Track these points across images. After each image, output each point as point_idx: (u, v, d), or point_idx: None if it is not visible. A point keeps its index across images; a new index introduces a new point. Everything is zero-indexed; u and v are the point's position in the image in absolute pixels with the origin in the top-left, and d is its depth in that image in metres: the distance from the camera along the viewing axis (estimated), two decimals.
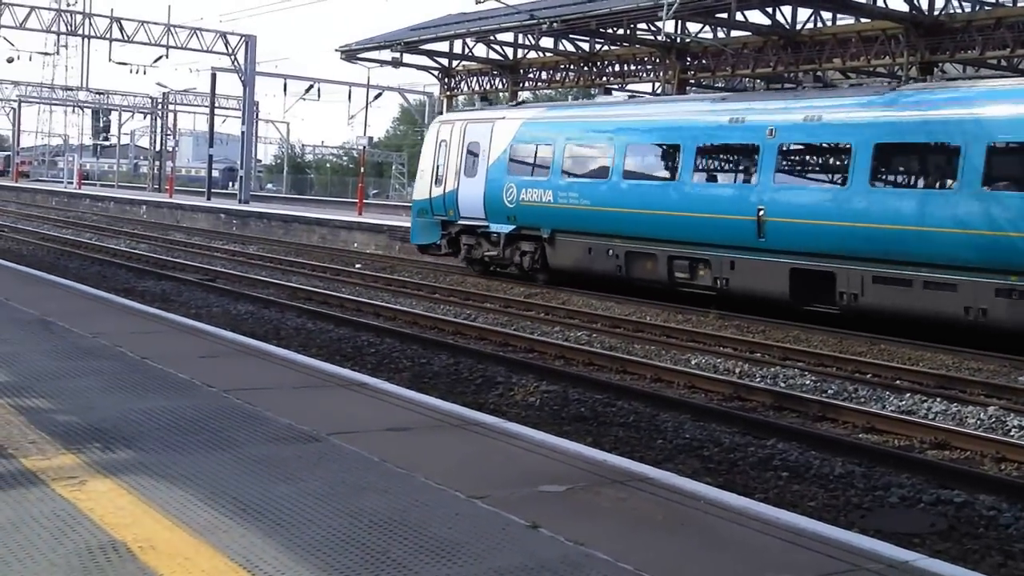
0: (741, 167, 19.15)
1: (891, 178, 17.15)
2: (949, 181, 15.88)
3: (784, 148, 18.13)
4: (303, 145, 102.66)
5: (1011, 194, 15.01)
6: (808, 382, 12.89)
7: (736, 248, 18.35)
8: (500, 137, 23.29)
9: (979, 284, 15.07)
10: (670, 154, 20.07)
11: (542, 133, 22.71)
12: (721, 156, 19.72)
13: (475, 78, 48.11)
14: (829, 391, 12.43)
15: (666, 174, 20.29)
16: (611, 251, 20.70)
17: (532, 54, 44.94)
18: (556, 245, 21.97)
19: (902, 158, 17.24)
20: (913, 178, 16.99)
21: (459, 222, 24.18)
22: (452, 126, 25.04)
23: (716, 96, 23.10)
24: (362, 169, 54.25)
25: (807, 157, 18.46)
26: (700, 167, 19.54)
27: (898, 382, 13.19)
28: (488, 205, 23.22)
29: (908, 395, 12.30)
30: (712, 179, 19.70)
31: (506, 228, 22.97)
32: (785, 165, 18.21)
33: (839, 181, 17.26)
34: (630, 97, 25.98)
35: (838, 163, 17.53)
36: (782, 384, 12.75)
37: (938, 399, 12.11)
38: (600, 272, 21.26)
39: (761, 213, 17.79)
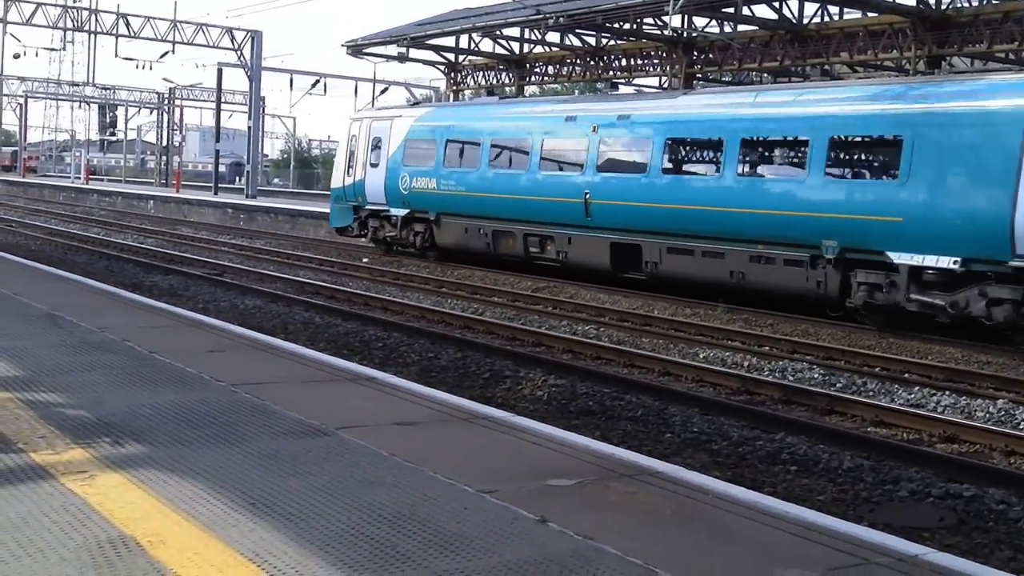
0: (574, 158, 22.15)
1: (678, 167, 20.63)
2: (716, 169, 19.29)
3: (603, 142, 21.39)
4: (310, 140, 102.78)
5: (755, 179, 18.85)
6: (816, 376, 12.88)
7: (572, 226, 21.79)
8: (397, 133, 26.72)
9: (739, 252, 18.33)
10: (524, 148, 23.38)
11: (429, 130, 26.10)
12: (560, 148, 22.76)
13: (481, 73, 48.10)
14: (838, 385, 12.41)
15: (521, 165, 23.41)
16: (482, 230, 24.24)
17: (538, 49, 44.92)
18: (441, 226, 25.45)
19: (684, 150, 20.91)
20: (693, 167, 20.65)
21: (366, 207, 27.68)
22: (361, 123, 28.29)
23: (559, 99, 28.25)
24: None
25: (620, 149, 21.51)
26: (545, 158, 22.76)
27: (907, 375, 13.17)
28: (388, 192, 26.62)
29: (917, 388, 12.28)
30: (553, 168, 22.74)
31: (402, 212, 26.42)
32: (605, 156, 21.39)
33: (642, 170, 20.44)
34: (501, 99, 29.61)
35: (641, 154, 20.70)
36: (790, 378, 12.74)
37: (947, 392, 12.09)
38: (475, 248, 24.70)
39: (587, 196, 21.17)
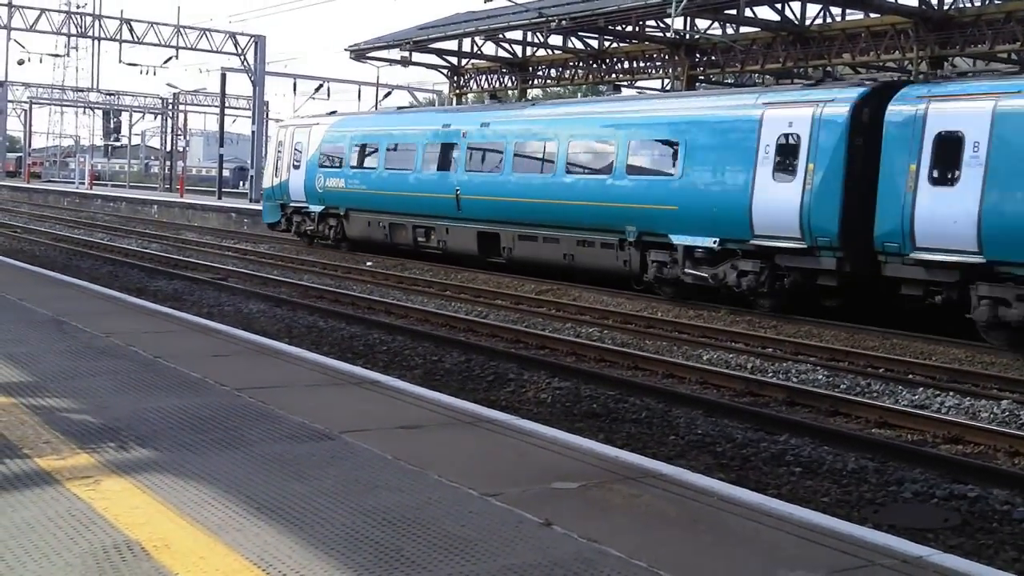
0: (449, 160, 25.60)
1: (524, 166, 23.73)
2: (549, 168, 22.86)
3: (470, 146, 25.00)
4: None
5: (577, 177, 22.11)
6: (820, 377, 12.87)
7: (447, 218, 25.33)
8: (315, 139, 30.51)
9: (569, 238, 22.02)
10: (411, 151, 27.00)
11: (339, 136, 29.81)
12: (438, 152, 26.03)
13: (484, 76, 48.11)
14: (842, 386, 12.41)
15: (409, 166, 26.93)
16: (381, 223, 27.90)
17: (541, 52, 44.93)
18: (350, 220, 29.13)
19: (528, 152, 23.79)
20: (533, 166, 23.54)
21: (291, 204, 31.41)
22: (286, 130, 32.47)
23: (441, 108, 33.56)
24: None
25: (482, 152, 24.93)
26: (427, 160, 26.26)
27: (911, 376, 13.16)
28: (307, 191, 30.40)
29: (921, 389, 12.27)
30: (432, 168, 26.08)
31: (318, 208, 30.09)
32: (471, 158, 25.01)
33: (498, 169, 24.07)
34: (399, 109, 34.51)
35: (497, 156, 24.31)
36: (794, 379, 12.73)
37: (951, 393, 12.09)
38: (376, 239, 28.32)
39: (458, 193, 24.68)
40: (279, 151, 31.98)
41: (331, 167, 29.61)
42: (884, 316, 17.19)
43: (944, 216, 15.70)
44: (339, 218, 29.40)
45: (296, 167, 30.85)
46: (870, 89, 17.88)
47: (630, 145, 20.90)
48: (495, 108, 27.80)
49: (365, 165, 28.60)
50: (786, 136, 18.04)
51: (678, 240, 19.52)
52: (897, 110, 16.77)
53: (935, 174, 16.04)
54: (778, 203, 17.87)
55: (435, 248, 26.18)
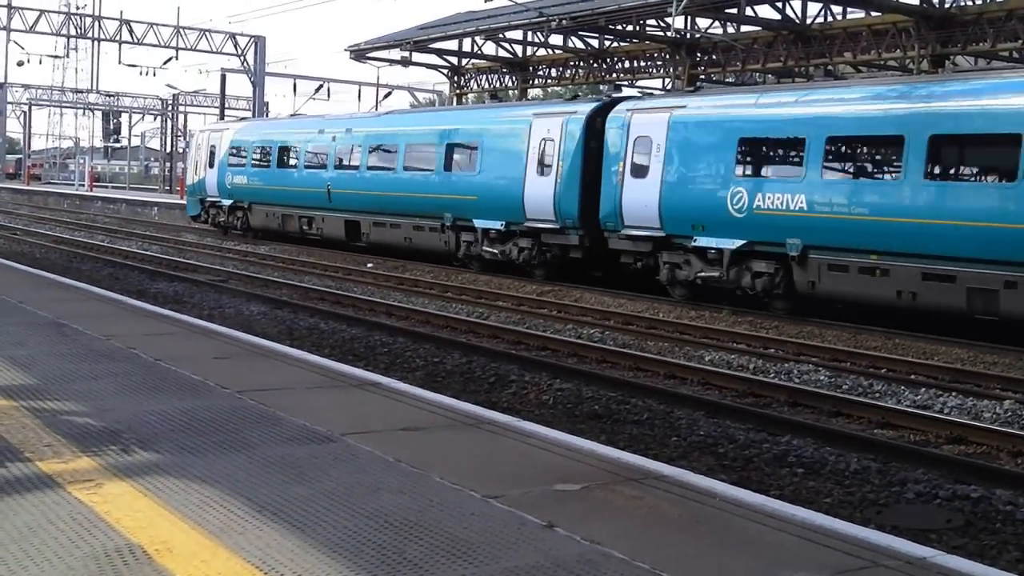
0: (322, 160, 30.53)
1: (376, 166, 28.37)
2: (392, 167, 27.53)
3: (337, 149, 29.84)
4: None
5: (414, 173, 26.63)
6: (823, 378, 12.86)
7: (322, 209, 30.07)
8: (225, 142, 35.23)
9: (408, 224, 26.78)
10: (294, 152, 32.06)
11: (243, 140, 34.75)
12: (315, 152, 31.00)
13: (485, 76, 48.12)
14: (844, 386, 12.40)
15: (295, 165, 31.91)
16: (275, 214, 32.64)
17: (541, 51, 44.94)
18: (252, 212, 33.85)
19: (380, 153, 28.33)
20: (382, 165, 28.10)
21: (208, 199, 36.00)
22: (204, 134, 37.64)
23: (320, 116, 37.53)
24: None
25: (346, 153, 29.63)
26: (307, 162, 31.32)
27: (913, 377, 13.14)
28: (219, 187, 35.17)
29: (923, 390, 12.26)
30: (312, 168, 31.02)
31: (228, 201, 34.89)
32: (338, 158, 29.78)
33: (357, 168, 28.93)
34: (291, 116, 40.09)
35: (356, 157, 29.12)
36: (796, 380, 12.72)
37: (954, 393, 12.07)
38: (272, 228, 33.10)
39: (329, 188, 29.59)
40: (198, 153, 37.03)
41: (237, 166, 34.47)
42: (613, 279, 21.93)
43: (640, 201, 20.37)
44: (244, 210, 34.30)
45: (211, 166, 35.64)
46: (601, 103, 22.63)
47: (446, 148, 25.77)
48: (357, 117, 34.09)
49: (263, 164, 33.41)
50: (545, 141, 22.88)
51: (478, 224, 24.50)
52: (612, 120, 21.50)
53: (634, 169, 20.69)
54: (540, 193, 22.77)
55: (315, 234, 31.00)
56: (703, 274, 19.45)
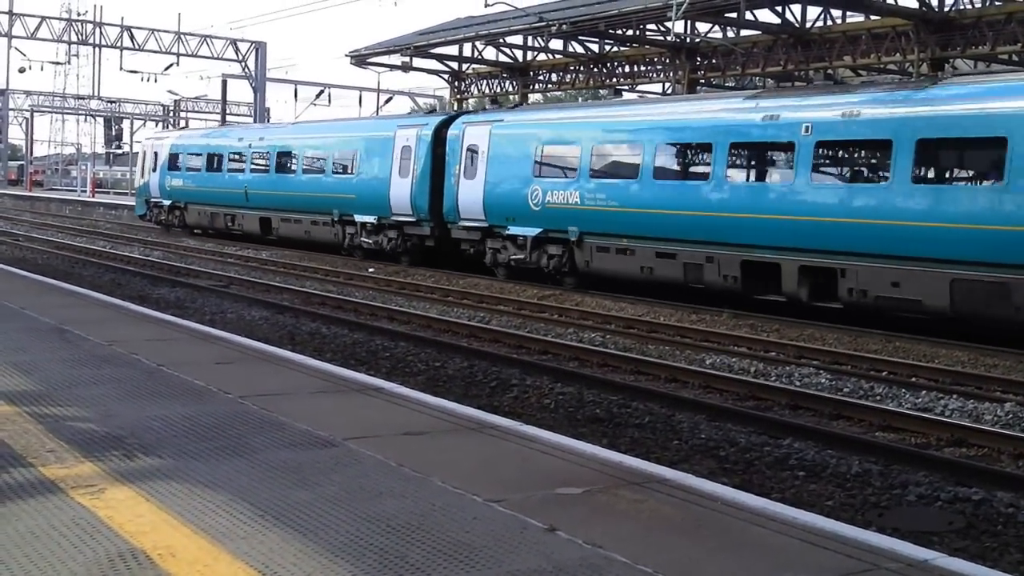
0: (241, 164, 35.46)
1: (282, 169, 33.28)
2: (294, 171, 32.62)
3: (252, 156, 34.96)
4: None
5: (312, 175, 31.61)
6: (823, 380, 12.86)
7: (242, 208, 34.96)
8: (165, 149, 40.41)
9: (308, 220, 31.46)
10: (219, 160, 36.82)
11: (180, 148, 39.76)
12: (235, 160, 35.99)
13: (485, 81, 48.13)
14: (845, 389, 12.39)
15: (221, 170, 36.60)
16: (205, 212, 37.38)
17: (541, 56, 44.93)
18: (187, 210, 38.50)
19: (286, 159, 33.19)
20: (286, 169, 33.06)
21: (152, 199, 40.92)
22: (150, 142, 43.61)
23: (242, 126, 46.06)
24: None
25: (258, 158, 34.70)
26: (229, 168, 36.08)
27: (914, 379, 13.14)
28: (161, 189, 40.06)
29: (924, 392, 12.25)
30: (234, 172, 35.79)
31: (168, 201, 39.65)
32: (253, 162, 34.85)
33: (267, 171, 33.93)
34: (221, 126, 46.50)
35: (266, 162, 34.14)
36: (797, 383, 12.72)
37: (954, 396, 12.07)
38: (203, 224, 37.84)
39: (247, 189, 34.42)
40: (144, 160, 42.38)
41: (175, 171, 39.29)
42: (455, 263, 26.10)
43: (471, 198, 24.81)
44: (181, 209, 39.07)
45: (154, 171, 40.59)
46: (448, 117, 27.45)
47: (332, 155, 30.77)
48: (270, 127, 40.94)
49: (195, 169, 38.19)
50: (404, 148, 27.49)
51: (358, 218, 29.09)
52: (451, 131, 26.09)
53: (466, 172, 25.09)
54: (402, 192, 27.36)
55: (237, 230, 35.59)
56: (515, 257, 23.76)
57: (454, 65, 47.02)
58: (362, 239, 29.00)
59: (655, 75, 41.49)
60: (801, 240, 17.71)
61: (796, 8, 33.69)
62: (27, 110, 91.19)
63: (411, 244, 27.61)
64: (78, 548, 4.35)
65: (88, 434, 6.27)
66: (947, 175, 17.02)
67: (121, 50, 55.38)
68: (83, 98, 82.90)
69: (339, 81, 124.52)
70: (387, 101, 70.00)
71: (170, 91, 77.90)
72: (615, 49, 41.20)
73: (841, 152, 18.52)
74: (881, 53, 32.03)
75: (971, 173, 16.81)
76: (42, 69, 79.09)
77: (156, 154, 40.78)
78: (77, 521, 4.69)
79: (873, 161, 17.99)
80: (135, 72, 61.14)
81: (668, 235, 20.06)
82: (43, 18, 54.05)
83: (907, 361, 14.20)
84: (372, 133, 29.77)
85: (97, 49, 58.11)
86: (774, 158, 19.19)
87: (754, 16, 33.64)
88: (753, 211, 18.52)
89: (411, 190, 26.84)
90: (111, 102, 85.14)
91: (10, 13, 52.52)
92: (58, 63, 72.13)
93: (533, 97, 50.23)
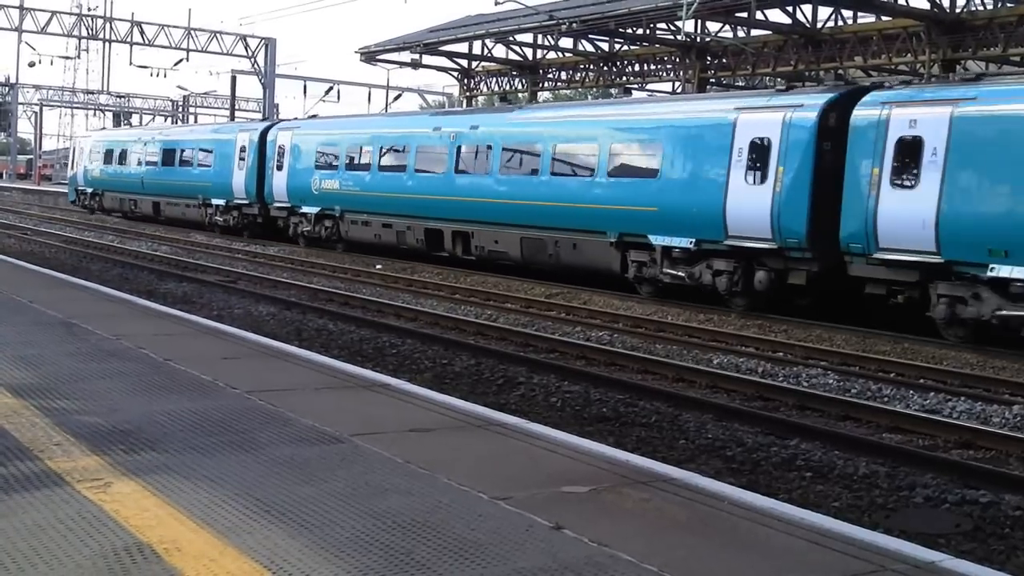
0: (139, 160, 42.65)
1: (172, 163, 39.90)
2: (185, 164, 39.12)
3: (147, 152, 41.67)
4: None
5: (187, 169, 38.99)
6: (831, 381, 12.83)
7: (140, 194, 42.78)
8: (88, 146, 48.77)
9: (185, 203, 38.74)
10: (125, 155, 44.17)
11: (99, 144, 47.65)
12: (136, 156, 43.15)
13: (494, 79, 48.12)
14: (852, 390, 12.37)
15: (127, 164, 43.89)
16: (116, 198, 45.35)
17: (551, 54, 44.92)
18: (104, 196, 46.55)
19: (168, 155, 40.28)
20: (178, 163, 39.73)
21: (79, 188, 48.96)
22: (77, 140, 53.36)
23: (141, 127, 62.92)
24: None
25: (151, 155, 41.61)
26: (132, 158, 43.41)
27: (922, 381, 13.11)
28: (85, 179, 48.17)
29: (932, 394, 12.22)
30: (133, 166, 43.20)
31: (90, 189, 47.65)
32: (148, 159, 41.72)
33: (156, 165, 41.11)
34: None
35: (156, 156, 41.24)
36: (805, 384, 12.69)
37: (962, 398, 12.03)
38: (116, 208, 45.62)
39: (143, 180, 41.94)
40: (75, 154, 50.67)
41: (96, 164, 46.87)
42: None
43: (280, 186, 32.65)
44: (99, 196, 46.85)
45: (81, 163, 48.48)
46: (269, 124, 35.82)
47: (198, 153, 38.38)
48: (161, 128, 53.95)
49: (112, 162, 45.37)
50: (243, 148, 34.79)
51: (214, 201, 36.74)
52: (270, 135, 33.64)
53: (277, 165, 32.65)
54: (239, 182, 34.79)
55: (138, 212, 43.17)
56: (306, 229, 31.69)
57: (464, 63, 47.03)
58: (216, 218, 36.88)
59: (665, 74, 41.49)
60: (454, 214, 25.49)
61: (807, 8, 33.65)
62: (36, 104, 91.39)
63: (247, 221, 35.38)
64: (84, 541, 4.34)
65: (94, 428, 6.27)
66: (509, 167, 24.42)
67: (131, 45, 55.46)
68: (92, 93, 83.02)
69: (348, 78, 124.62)
70: (396, 98, 70.05)
71: (179, 86, 78.04)
72: (625, 48, 41.18)
73: (470, 153, 25.70)
74: (892, 54, 31.99)
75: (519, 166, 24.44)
76: (52, 64, 79.32)
77: (82, 150, 49.27)
78: (83, 514, 4.69)
79: (482, 158, 25.36)
80: (145, 67, 61.23)
81: (386, 211, 28.04)
82: (54, 13, 54.14)
83: (915, 363, 14.17)
84: (221, 136, 37.55)
85: (107, 44, 58.21)
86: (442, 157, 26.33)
87: (765, 16, 33.61)
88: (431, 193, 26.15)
89: (244, 180, 34.73)
90: (120, 97, 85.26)
91: (21, 8, 52.61)
92: (68, 58, 72.20)
93: (543, 95, 50.18)
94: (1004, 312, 15.27)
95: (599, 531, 4.71)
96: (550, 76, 46.57)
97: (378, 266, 26.04)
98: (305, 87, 65.50)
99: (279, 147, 32.68)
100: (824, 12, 33.91)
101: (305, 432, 6.42)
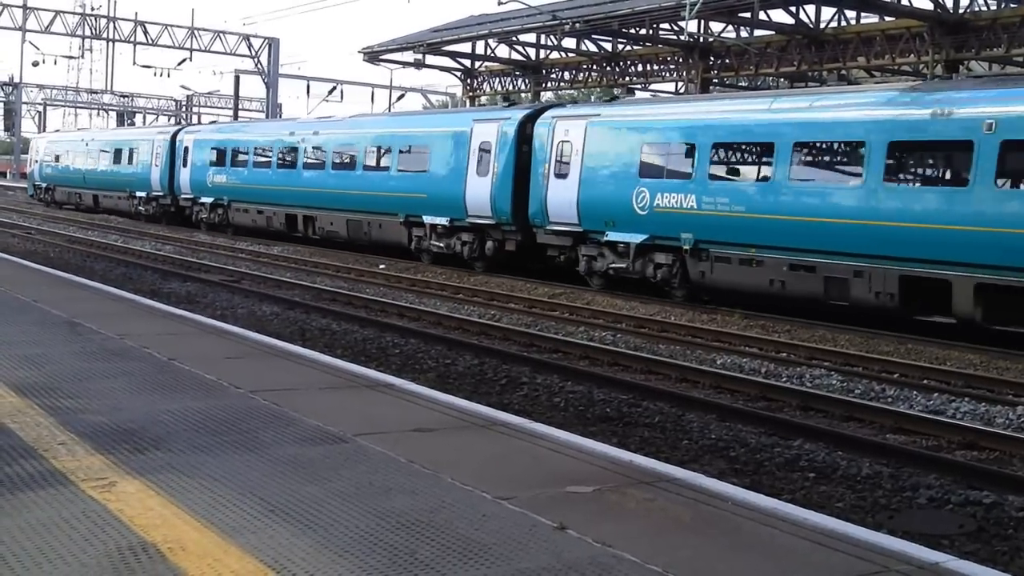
0: (85, 160, 48.15)
1: (88, 164, 47.84)
2: (92, 164, 47.95)
3: (88, 151, 47.85)
4: None
5: (126, 167, 44.24)
6: (835, 382, 12.82)
7: (82, 187, 48.89)
8: (41, 146, 55.52)
9: (111, 195, 45.90)
10: (70, 154, 50.32)
11: (50, 145, 54.32)
12: (79, 155, 48.86)
13: (497, 79, 48.12)
14: (856, 391, 12.36)
15: (76, 163, 49.55)
16: (64, 192, 51.81)
17: (554, 54, 44.92)
18: (56, 191, 52.73)
19: (107, 156, 46.28)
20: (93, 164, 47.58)
21: (36, 183, 55.49)
22: (33, 140, 60.49)
23: (84, 130, 66.37)
24: None
25: (99, 155, 46.85)
26: (75, 160, 49.36)
27: (925, 381, 13.10)
28: (40, 174, 54.59)
29: (936, 395, 12.21)
30: (78, 164, 49.05)
31: (44, 184, 54.00)
32: (98, 159, 46.85)
33: (96, 164, 46.67)
34: (79, 130, 64.54)
35: (104, 156, 46.29)
36: (808, 384, 12.69)
37: (966, 399, 12.02)
38: (64, 201, 51.87)
39: (84, 176, 48.11)
40: (32, 153, 57.92)
41: (49, 162, 53.48)
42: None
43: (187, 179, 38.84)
44: (51, 189, 53.51)
45: (36, 161, 55.63)
46: (180, 128, 42.27)
47: (125, 151, 44.09)
48: (100, 131, 59.83)
49: (59, 161, 52.01)
50: (157, 149, 40.95)
51: (138, 193, 42.30)
52: (180, 139, 39.58)
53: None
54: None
55: (83, 204, 49.43)
56: (204, 216, 37.51)
57: (467, 63, 47.04)
58: (139, 208, 42.79)
59: (668, 74, 41.47)
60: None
61: (810, 8, 33.63)
62: (40, 104, 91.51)
63: (163, 210, 41.34)
64: (88, 541, 4.35)
65: (99, 427, 6.28)
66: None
67: (134, 45, 55.54)
68: (96, 92, 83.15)
69: (352, 77, 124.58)
70: (400, 98, 70.09)
71: (183, 86, 78.15)
72: (628, 48, 41.16)
73: (313, 153, 31.92)
74: (895, 54, 31.96)
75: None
76: (55, 63, 79.40)
77: (37, 149, 56.74)
78: (87, 514, 4.70)
79: (320, 157, 31.31)
80: (148, 67, 61.37)
81: (259, 200, 34.57)
82: (57, 12, 54.23)
83: (919, 363, 14.15)
84: (142, 138, 44.19)
85: (110, 44, 58.28)
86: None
87: (768, 16, 33.58)
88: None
89: (159, 175, 40.79)
90: (124, 96, 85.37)
91: (24, 7, 52.68)
92: (71, 57, 72.29)
93: (545, 95, 50.17)
94: (615, 264, 21.42)
95: (603, 531, 4.71)
96: (553, 76, 46.56)
97: (381, 266, 26.05)
98: (308, 87, 65.59)
99: (184, 148, 39.00)
100: (827, 12, 33.89)
101: (309, 432, 6.43)
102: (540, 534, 4.67)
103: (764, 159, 18.92)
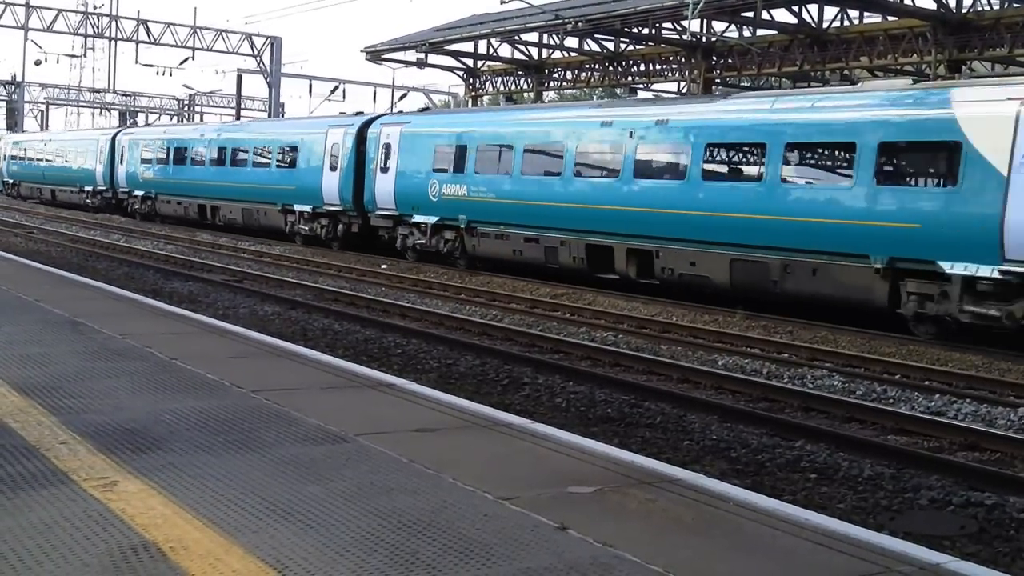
0: (42, 157, 56.53)
1: (56, 163, 55.00)
2: (61, 163, 54.29)
3: (46, 151, 57.52)
4: None
5: (79, 165, 50.94)
6: (836, 383, 12.82)
7: (43, 183, 56.41)
8: (9, 146, 62.57)
9: (62, 189, 53.86)
10: (35, 154, 56.85)
11: (16, 145, 61.43)
12: (40, 153, 56.65)
13: (500, 78, 48.11)
14: (857, 392, 12.36)
15: (36, 158, 56.94)
16: (30, 187, 58.82)
17: (557, 54, 44.91)
18: (21, 186, 59.88)
19: (60, 157, 55.07)
20: (62, 164, 54.13)
21: (3, 179, 62.84)
22: (2, 140, 66.33)
23: (46, 132, 79.64)
24: None
25: (67, 155, 52.41)
26: (37, 159, 57.14)
27: (927, 383, 13.10)
28: (7, 171, 61.79)
29: (937, 396, 12.21)
30: (38, 161, 56.54)
31: (11, 180, 61.39)
32: (47, 157, 56.05)
33: (51, 162, 55.42)
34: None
35: (84, 157, 50.10)
36: (810, 385, 12.69)
37: (968, 400, 12.02)
38: (29, 195, 58.81)
39: (44, 173, 56.06)
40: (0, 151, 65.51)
41: (12, 160, 61.04)
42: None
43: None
44: (17, 185, 60.74)
45: (4, 159, 62.96)
46: (119, 130, 48.67)
47: (76, 151, 49.68)
48: (56, 133, 67.67)
49: (22, 159, 59.38)
50: (100, 147, 46.97)
51: (85, 187, 48.79)
52: (118, 139, 45.93)
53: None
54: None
55: (44, 198, 55.29)
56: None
57: (469, 62, 47.05)
58: (87, 200, 48.55)
59: (671, 74, 41.46)
60: None
61: (813, 8, 33.61)
62: (43, 103, 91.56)
63: (105, 201, 47.00)
64: (90, 540, 4.36)
65: (101, 427, 6.28)
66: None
67: (137, 44, 55.56)
68: (98, 91, 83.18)
69: (354, 77, 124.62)
70: (402, 97, 70.10)
71: (185, 85, 78.19)
72: (631, 47, 41.15)
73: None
74: (898, 54, 31.96)
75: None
76: (58, 62, 79.37)
77: (4, 149, 64.20)
78: (89, 513, 4.70)
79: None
80: (150, 66, 61.36)
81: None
82: (59, 11, 54.25)
83: (920, 364, 14.15)
84: (90, 138, 49.95)
85: (113, 42, 58.31)
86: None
87: (771, 15, 33.58)
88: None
89: (102, 171, 47.09)
90: (126, 95, 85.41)
91: (27, 6, 52.71)
92: (74, 56, 72.34)
93: (548, 95, 50.16)
94: (419, 241, 27.07)
95: (604, 531, 4.71)
96: (555, 76, 46.56)
97: (383, 266, 26.07)
98: (311, 86, 65.61)
99: (122, 148, 45.20)
100: (830, 12, 33.89)
101: (311, 431, 6.43)
102: (541, 534, 4.67)
103: (506, 159, 24.55)
